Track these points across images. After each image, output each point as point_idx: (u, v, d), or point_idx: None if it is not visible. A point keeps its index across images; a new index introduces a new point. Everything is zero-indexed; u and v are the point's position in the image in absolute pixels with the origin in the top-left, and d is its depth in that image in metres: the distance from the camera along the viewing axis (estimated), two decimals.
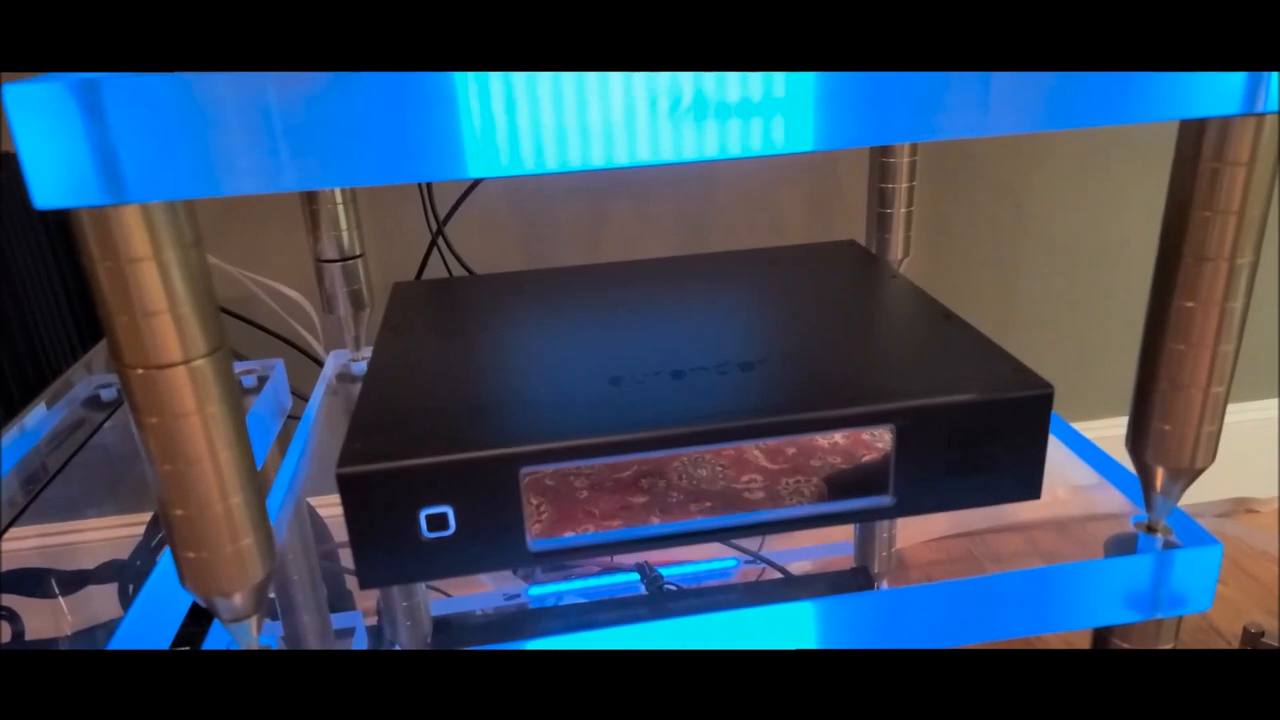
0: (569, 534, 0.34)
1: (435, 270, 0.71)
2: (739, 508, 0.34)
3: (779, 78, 0.26)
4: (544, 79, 0.25)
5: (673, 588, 0.69)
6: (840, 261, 0.51)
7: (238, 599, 0.30)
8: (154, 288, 0.25)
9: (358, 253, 0.56)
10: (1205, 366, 0.31)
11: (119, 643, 0.36)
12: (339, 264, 0.56)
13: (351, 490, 0.32)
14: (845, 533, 0.72)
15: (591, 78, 0.25)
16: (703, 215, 0.78)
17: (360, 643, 0.66)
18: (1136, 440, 0.33)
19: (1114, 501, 0.40)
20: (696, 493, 0.34)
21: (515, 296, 0.48)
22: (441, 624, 0.63)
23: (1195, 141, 0.29)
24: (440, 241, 0.68)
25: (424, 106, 0.25)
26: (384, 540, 0.32)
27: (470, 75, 0.25)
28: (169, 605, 0.40)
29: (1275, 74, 0.27)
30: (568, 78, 0.25)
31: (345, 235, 0.55)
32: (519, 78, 0.25)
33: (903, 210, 0.58)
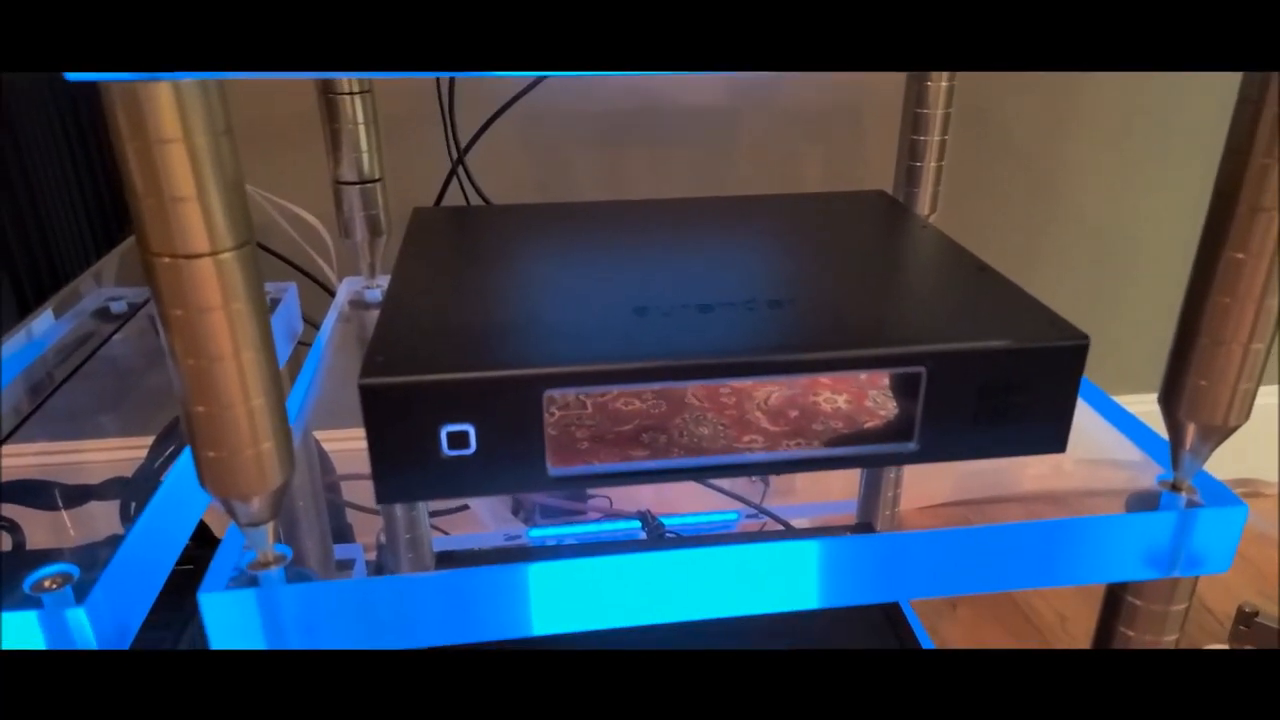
0: (589, 462, 0.34)
1: (452, 200, 0.70)
2: (756, 444, 0.34)
3: None
4: None
5: (673, 535, 0.69)
6: (871, 210, 0.50)
7: (255, 503, 0.29)
8: (183, 172, 0.24)
9: (377, 176, 0.55)
10: (1249, 321, 0.30)
11: (124, 558, 0.35)
12: (357, 187, 0.55)
13: (373, 403, 0.31)
14: (848, 491, 0.72)
15: None
16: (721, 166, 0.77)
17: (360, 574, 0.67)
18: (1170, 396, 0.33)
19: (1119, 478, 0.40)
20: (720, 429, 0.34)
21: (539, 226, 0.47)
22: (445, 556, 0.63)
23: (1260, 85, 0.28)
24: (460, 172, 0.67)
25: None
26: (403, 456, 0.32)
27: None
28: (175, 523, 0.40)
29: None
30: None
31: (365, 158, 0.54)
32: None
33: (933, 164, 0.57)
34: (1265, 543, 0.93)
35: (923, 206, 0.58)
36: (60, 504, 0.62)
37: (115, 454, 0.63)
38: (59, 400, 0.53)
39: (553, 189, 0.75)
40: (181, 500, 0.39)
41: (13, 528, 0.60)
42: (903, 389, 0.34)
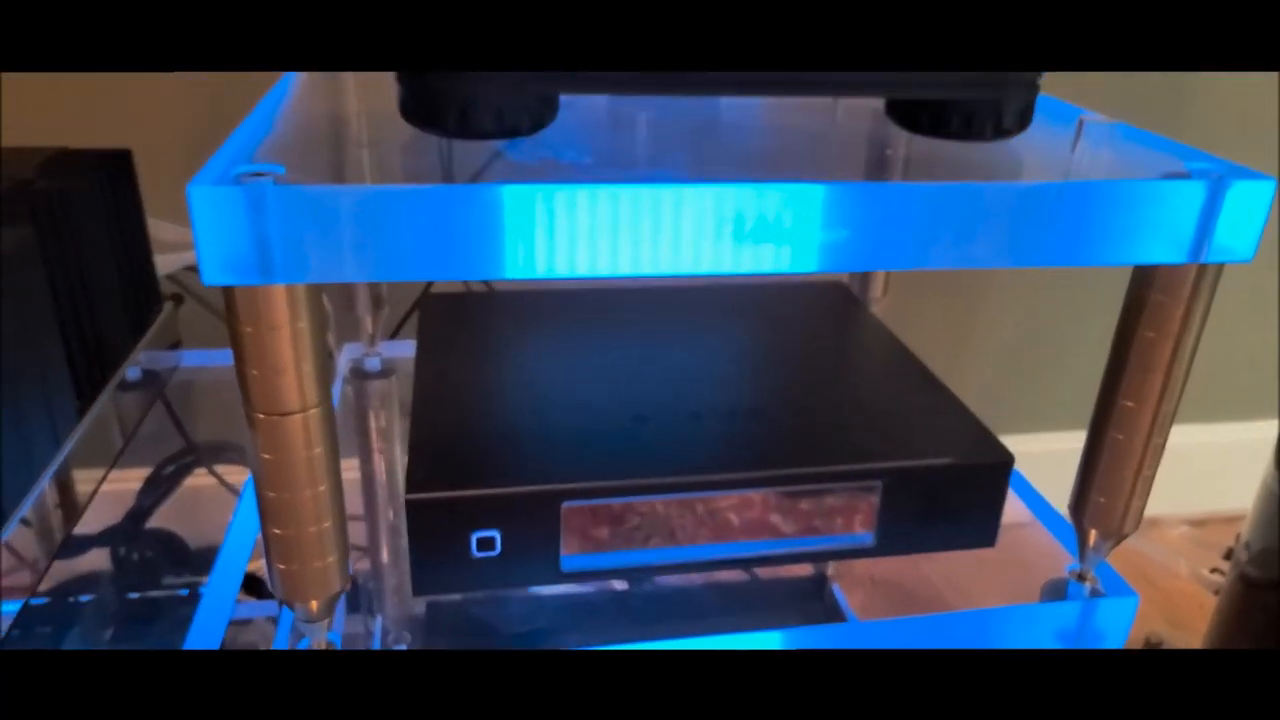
0: (594, 554, 0.39)
1: None
2: (740, 538, 0.40)
3: (788, 209, 0.30)
4: (561, 197, 0.29)
5: None
6: (828, 306, 0.57)
7: (314, 605, 0.34)
8: (285, 351, 0.29)
9: None
10: (1139, 454, 0.37)
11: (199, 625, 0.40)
12: None
13: (416, 513, 0.36)
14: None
15: (604, 199, 0.29)
16: None
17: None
18: (1078, 506, 0.40)
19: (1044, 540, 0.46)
20: (705, 526, 0.40)
21: (537, 318, 0.52)
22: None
23: (1147, 277, 0.35)
24: None
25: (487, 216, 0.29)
26: (438, 556, 0.37)
27: (508, 189, 0.29)
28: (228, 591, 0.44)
29: (1216, 231, 0.33)
30: (582, 198, 0.29)
31: None
32: (546, 196, 0.29)
33: None
34: (1170, 573, 1.03)
35: (875, 290, 0.65)
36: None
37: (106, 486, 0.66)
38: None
39: None
40: (233, 565, 0.44)
41: None
42: (863, 497, 0.40)
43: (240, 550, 0.46)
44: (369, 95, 0.42)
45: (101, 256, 0.47)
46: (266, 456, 0.31)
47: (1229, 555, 0.98)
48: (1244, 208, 0.33)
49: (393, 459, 0.61)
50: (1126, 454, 0.38)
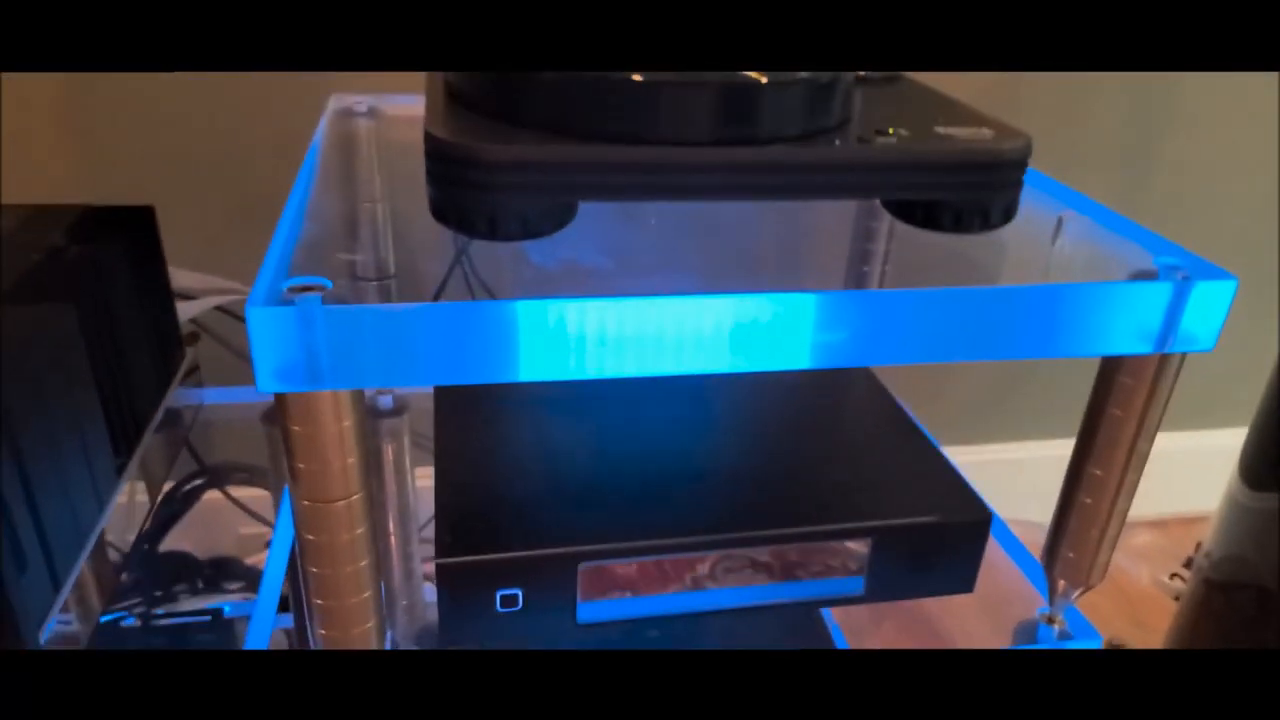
0: (606, 604, 0.42)
1: (454, 287, 0.76)
2: (744, 585, 0.43)
3: (787, 316, 0.33)
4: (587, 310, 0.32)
5: None
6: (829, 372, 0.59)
7: None
8: (333, 448, 0.32)
9: (390, 274, 0.61)
10: (1105, 517, 0.41)
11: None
12: (374, 284, 0.61)
13: (446, 575, 0.39)
14: None
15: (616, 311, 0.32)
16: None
17: None
18: (1050, 559, 0.44)
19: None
20: (710, 578, 0.43)
21: (545, 390, 0.54)
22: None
23: (1115, 362, 0.38)
24: (463, 262, 0.74)
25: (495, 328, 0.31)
26: (465, 612, 0.40)
27: (536, 305, 0.31)
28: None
29: (1180, 325, 0.36)
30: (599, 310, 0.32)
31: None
32: (580, 310, 0.32)
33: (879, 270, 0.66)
34: (1133, 577, 1.08)
35: None
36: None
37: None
38: None
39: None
40: (272, 584, 0.47)
41: None
42: (855, 551, 0.43)
43: (277, 571, 0.49)
44: (389, 181, 0.44)
45: (130, 314, 0.49)
46: (311, 537, 0.34)
47: (1189, 563, 1.03)
48: (1207, 305, 0.36)
49: (405, 490, 0.63)
50: (1094, 516, 0.41)
